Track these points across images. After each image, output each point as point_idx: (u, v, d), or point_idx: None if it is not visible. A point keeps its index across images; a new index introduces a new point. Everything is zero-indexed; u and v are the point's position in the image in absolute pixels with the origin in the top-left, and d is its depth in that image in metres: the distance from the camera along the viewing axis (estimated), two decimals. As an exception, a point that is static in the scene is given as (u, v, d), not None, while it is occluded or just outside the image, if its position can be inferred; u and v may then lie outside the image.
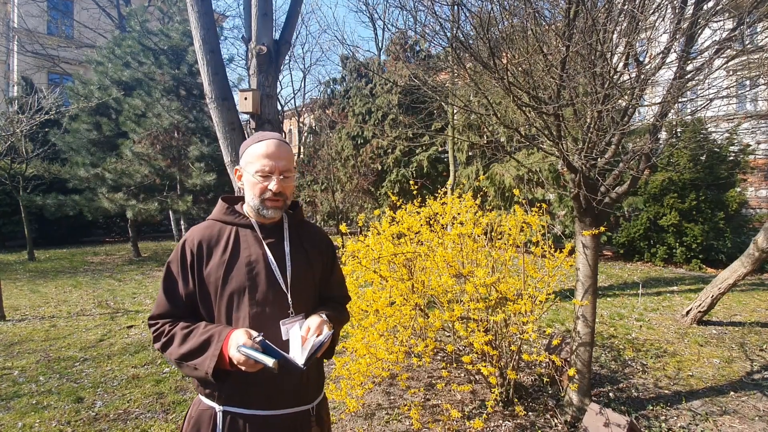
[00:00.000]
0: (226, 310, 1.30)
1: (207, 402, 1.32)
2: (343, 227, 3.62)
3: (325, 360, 1.50)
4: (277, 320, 1.32)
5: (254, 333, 1.19)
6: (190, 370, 1.24)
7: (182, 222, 10.52)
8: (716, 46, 2.63)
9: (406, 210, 3.42)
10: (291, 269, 1.36)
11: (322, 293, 1.50)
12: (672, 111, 3.05)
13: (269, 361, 1.09)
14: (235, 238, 1.35)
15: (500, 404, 3.20)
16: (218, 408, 1.29)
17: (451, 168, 10.75)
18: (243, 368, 1.16)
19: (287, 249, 1.38)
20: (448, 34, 2.90)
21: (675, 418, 3.24)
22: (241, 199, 1.44)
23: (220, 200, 1.43)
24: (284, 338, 1.30)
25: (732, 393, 3.65)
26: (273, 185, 1.30)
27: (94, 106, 10.46)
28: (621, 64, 2.71)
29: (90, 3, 18.60)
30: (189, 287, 1.31)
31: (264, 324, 1.28)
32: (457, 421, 3.05)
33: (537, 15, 2.53)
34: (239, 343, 1.15)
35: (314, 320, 1.30)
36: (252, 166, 1.32)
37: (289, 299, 1.33)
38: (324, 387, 1.51)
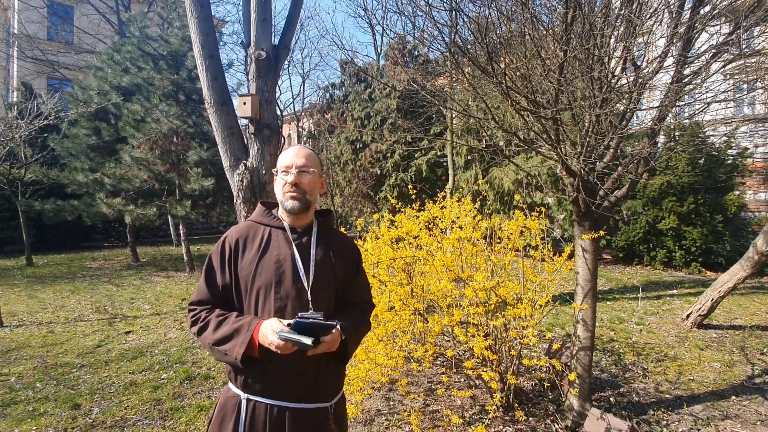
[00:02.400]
0: (254, 303, 1.44)
1: (234, 390, 1.45)
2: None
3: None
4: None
5: (285, 321, 1.32)
6: (221, 355, 1.38)
7: (181, 227, 10.44)
8: (713, 50, 2.65)
9: (405, 214, 3.41)
10: (314, 269, 1.48)
11: (346, 297, 1.58)
12: (670, 115, 3.06)
13: (308, 341, 1.23)
14: (267, 238, 1.50)
15: (501, 409, 3.18)
16: (243, 396, 1.42)
17: (450, 172, 10.77)
18: (279, 351, 1.28)
19: (313, 251, 1.51)
20: (447, 39, 2.92)
21: (676, 422, 3.23)
22: (277, 204, 1.59)
23: (258, 204, 1.60)
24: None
25: (733, 397, 3.63)
26: (290, 177, 1.46)
27: (93, 111, 10.46)
28: (619, 69, 2.72)
29: (90, 9, 18.64)
30: (226, 279, 1.47)
31: (285, 318, 1.40)
32: (457, 427, 3.03)
33: (535, 20, 2.54)
34: (276, 330, 1.28)
35: None
36: (278, 168, 1.51)
37: (309, 296, 1.44)
38: (343, 387, 1.60)
